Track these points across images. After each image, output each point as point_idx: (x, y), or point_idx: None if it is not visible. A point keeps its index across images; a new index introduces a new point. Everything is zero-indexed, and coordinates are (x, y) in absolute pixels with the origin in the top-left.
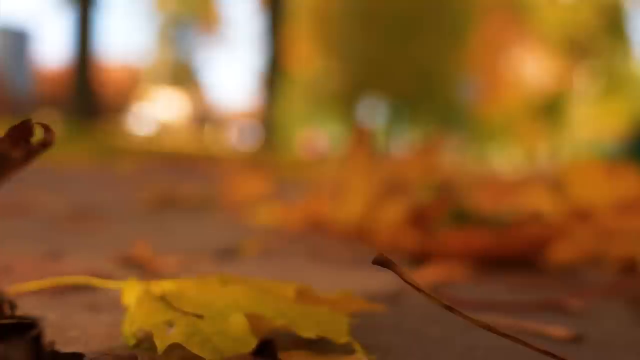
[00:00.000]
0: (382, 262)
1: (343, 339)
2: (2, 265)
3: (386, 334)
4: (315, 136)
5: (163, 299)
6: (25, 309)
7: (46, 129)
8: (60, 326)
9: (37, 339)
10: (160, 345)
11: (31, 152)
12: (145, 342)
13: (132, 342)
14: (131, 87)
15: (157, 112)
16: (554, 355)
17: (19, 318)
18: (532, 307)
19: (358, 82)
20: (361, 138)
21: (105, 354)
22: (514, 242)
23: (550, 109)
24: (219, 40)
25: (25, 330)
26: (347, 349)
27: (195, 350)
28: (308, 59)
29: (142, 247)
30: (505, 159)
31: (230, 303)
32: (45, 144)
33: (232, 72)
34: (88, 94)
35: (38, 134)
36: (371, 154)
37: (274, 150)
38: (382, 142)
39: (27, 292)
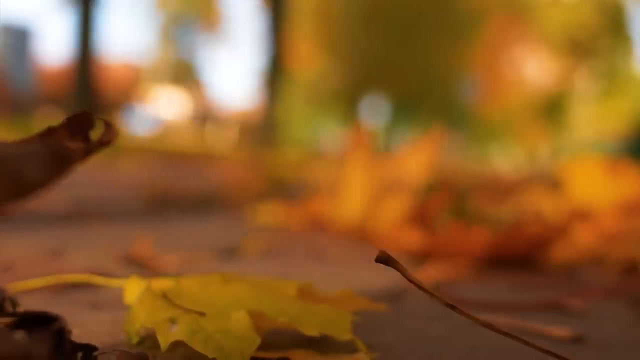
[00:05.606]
0: (384, 259)
1: (346, 336)
2: (3, 263)
3: (388, 333)
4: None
5: (165, 296)
6: (27, 306)
7: (107, 125)
8: None
9: (61, 332)
10: (164, 342)
11: (89, 148)
12: (147, 340)
13: (135, 340)
14: (132, 85)
15: (159, 110)
16: (555, 355)
17: (37, 313)
18: (534, 306)
19: (359, 81)
20: (359, 136)
21: (113, 349)
22: (515, 241)
23: (552, 109)
24: (220, 39)
25: (45, 323)
26: (350, 348)
27: (199, 347)
28: (309, 58)
29: (144, 245)
30: (506, 159)
31: (233, 301)
32: (104, 142)
33: (234, 71)
34: (89, 92)
35: (97, 130)
36: (370, 152)
37: (275, 150)
38: (384, 141)
39: (28, 289)
